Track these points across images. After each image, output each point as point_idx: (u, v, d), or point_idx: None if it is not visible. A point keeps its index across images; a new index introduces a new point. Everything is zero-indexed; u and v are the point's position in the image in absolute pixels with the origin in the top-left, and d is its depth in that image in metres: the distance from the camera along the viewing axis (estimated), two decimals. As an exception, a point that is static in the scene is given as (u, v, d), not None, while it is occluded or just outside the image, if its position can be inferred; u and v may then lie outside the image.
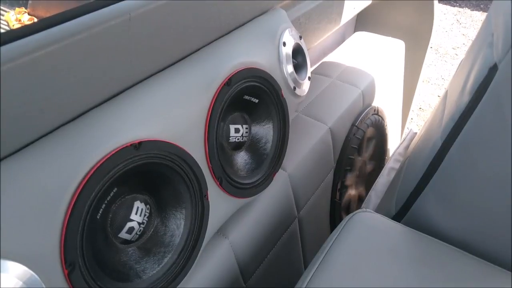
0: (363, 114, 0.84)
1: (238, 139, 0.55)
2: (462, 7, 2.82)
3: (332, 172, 0.79)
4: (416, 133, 0.82)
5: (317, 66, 0.92)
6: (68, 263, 0.34)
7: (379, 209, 0.69)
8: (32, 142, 0.35)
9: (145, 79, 0.44)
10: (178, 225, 0.45)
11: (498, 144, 0.48)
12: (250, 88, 0.53)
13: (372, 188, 0.74)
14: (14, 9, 0.73)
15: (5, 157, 0.33)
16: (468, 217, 0.53)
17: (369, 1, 1.00)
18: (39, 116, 0.34)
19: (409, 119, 1.28)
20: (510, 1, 0.47)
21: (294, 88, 0.61)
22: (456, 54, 2.29)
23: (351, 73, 0.88)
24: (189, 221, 0.45)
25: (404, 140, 0.83)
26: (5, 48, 0.31)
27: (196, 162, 0.45)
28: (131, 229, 0.42)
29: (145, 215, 0.43)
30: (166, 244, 0.44)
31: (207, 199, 0.47)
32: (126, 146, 0.38)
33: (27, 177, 0.33)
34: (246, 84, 0.52)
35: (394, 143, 1.08)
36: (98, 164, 0.36)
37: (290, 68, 0.59)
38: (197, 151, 0.46)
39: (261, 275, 0.62)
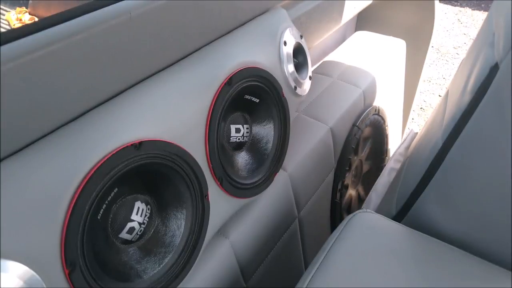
0: (364, 114, 0.84)
1: (239, 139, 0.55)
2: (463, 7, 2.81)
3: (333, 172, 0.79)
4: (416, 133, 0.82)
5: (318, 66, 0.92)
6: (69, 263, 0.34)
7: (379, 210, 0.69)
8: (32, 142, 0.35)
9: (146, 78, 0.44)
10: (178, 226, 0.45)
11: (498, 143, 0.48)
12: (251, 87, 0.53)
13: (372, 189, 0.74)
14: (15, 9, 0.73)
15: (6, 157, 0.33)
16: (469, 217, 0.53)
17: (370, 0, 1.00)
18: (40, 116, 0.34)
19: (410, 119, 1.27)
20: (511, 1, 0.47)
21: (295, 87, 0.61)
22: (457, 54, 2.29)
23: (352, 73, 0.88)
24: (189, 222, 0.45)
25: (404, 140, 0.83)
26: (6, 47, 0.31)
27: (196, 162, 0.45)
28: (131, 229, 0.42)
29: (145, 215, 0.43)
30: (166, 244, 0.44)
31: (208, 199, 0.47)
32: (127, 146, 0.38)
33: (27, 177, 0.33)
34: (247, 84, 0.52)
35: (394, 143, 1.08)
36: (99, 164, 0.36)
37: (291, 68, 0.59)
38: (198, 151, 0.46)
39: (262, 275, 0.62)
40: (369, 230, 0.54)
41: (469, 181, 0.52)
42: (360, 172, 0.94)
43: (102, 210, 0.38)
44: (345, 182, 0.84)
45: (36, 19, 0.72)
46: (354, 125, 0.81)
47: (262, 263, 0.62)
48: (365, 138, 0.90)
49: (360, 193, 0.96)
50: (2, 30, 0.70)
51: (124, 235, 0.42)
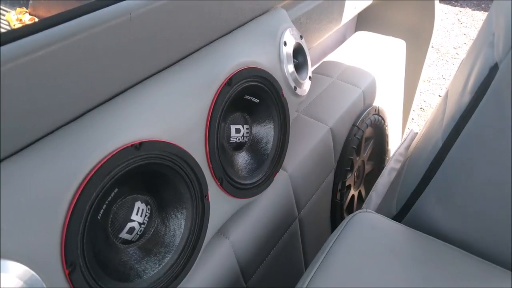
0: (364, 114, 0.84)
1: (239, 139, 0.55)
2: (463, 7, 2.81)
3: (333, 172, 0.79)
4: (417, 133, 0.82)
5: (318, 66, 0.92)
6: (69, 263, 0.34)
7: (379, 209, 0.69)
8: (33, 143, 0.35)
9: (146, 79, 0.44)
10: (178, 225, 0.45)
11: (498, 144, 0.48)
12: (251, 88, 0.53)
13: (372, 189, 0.74)
14: (15, 9, 0.73)
15: (6, 158, 0.33)
16: (469, 217, 0.53)
17: (370, 0, 1.00)
18: (40, 116, 0.34)
19: (410, 119, 1.27)
20: (511, 1, 0.47)
21: (295, 87, 0.61)
22: (457, 54, 2.29)
23: (352, 73, 0.88)
24: (189, 222, 0.45)
25: (404, 140, 0.83)
26: (6, 47, 0.31)
27: (196, 162, 0.45)
28: (131, 229, 0.42)
29: (145, 215, 0.43)
30: (166, 244, 0.44)
31: (208, 199, 0.47)
32: (127, 147, 0.38)
33: (28, 177, 0.33)
34: (247, 84, 0.52)
35: (395, 143, 1.08)
36: (99, 165, 0.36)
37: (291, 68, 0.59)
38: (198, 152, 0.46)
39: (262, 275, 0.62)
40: (369, 230, 0.54)
41: (469, 181, 0.52)
42: (362, 173, 0.94)
43: (102, 210, 0.38)
44: (347, 183, 0.84)
45: (36, 20, 0.72)
46: (354, 125, 0.82)
47: (262, 263, 0.62)
48: (366, 139, 0.90)
49: (361, 194, 0.96)
50: (2, 30, 0.70)
51: (124, 235, 0.42)
